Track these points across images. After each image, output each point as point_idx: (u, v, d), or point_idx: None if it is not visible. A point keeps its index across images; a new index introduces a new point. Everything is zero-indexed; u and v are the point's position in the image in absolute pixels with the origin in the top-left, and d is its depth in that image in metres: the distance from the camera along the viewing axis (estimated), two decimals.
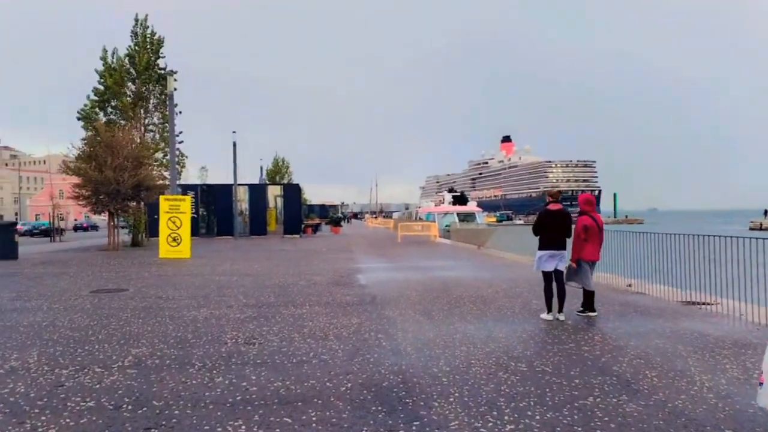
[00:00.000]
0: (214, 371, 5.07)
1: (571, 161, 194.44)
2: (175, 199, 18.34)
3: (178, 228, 18.11)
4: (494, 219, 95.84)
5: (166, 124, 27.56)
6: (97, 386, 4.64)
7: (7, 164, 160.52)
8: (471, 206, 56.80)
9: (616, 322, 7.37)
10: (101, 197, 22.30)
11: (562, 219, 7.78)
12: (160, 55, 27.15)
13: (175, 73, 28.11)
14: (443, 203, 64.55)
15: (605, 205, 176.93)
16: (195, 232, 33.22)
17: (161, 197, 18.45)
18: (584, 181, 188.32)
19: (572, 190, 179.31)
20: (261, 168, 51.15)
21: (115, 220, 23.05)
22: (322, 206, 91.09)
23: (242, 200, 35.44)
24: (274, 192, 37.54)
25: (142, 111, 26.86)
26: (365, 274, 13.16)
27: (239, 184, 34.58)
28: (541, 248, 7.83)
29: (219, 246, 24.66)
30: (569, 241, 7.94)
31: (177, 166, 28.17)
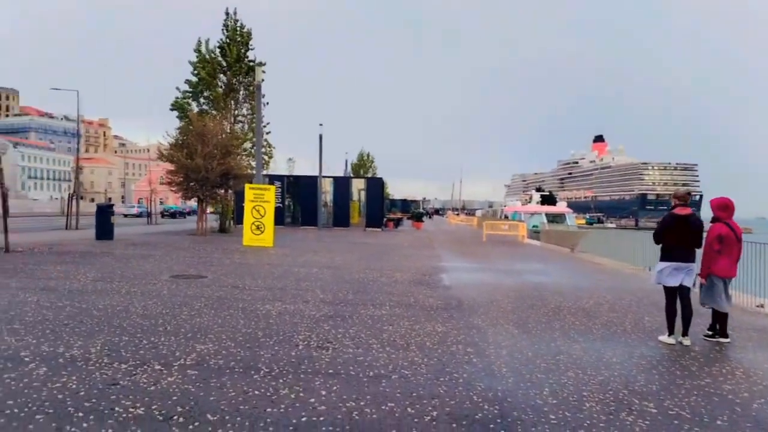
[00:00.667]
0: (281, 380, 4.45)
1: (669, 163, 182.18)
2: (260, 188, 18.34)
3: (262, 216, 18.08)
4: (583, 221, 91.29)
5: (255, 115, 28.08)
6: (152, 388, 4.15)
7: (116, 152, 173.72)
8: (561, 206, 54.18)
9: (757, 353, 6.07)
10: (192, 184, 22.89)
11: (691, 226, 6.55)
12: (250, 47, 27.53)
13: (264, 64, 28.63)
14: (529, 203, 62.21)
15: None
16: (280, 221, 33.86)
17: (246, 185, 18.52)
18: (684, 184, 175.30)
19: (669, 194, 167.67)
20: (346, 161, 51.43)
21: (204, 206, 23.61)
22: (404, 201, 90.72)
23: (327, 192, 35.57)
24: (357, 185, 37.44)
25: (232, 102, 27.38)
26: (449, 274, 12.31)
27: (324, 176, 34.67)
28: (663, 259, 6.64)
29: (302, 236, 24.68)
30: (699, 253, 6.69)
31: (264, 156, 28.71)
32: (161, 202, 68.44)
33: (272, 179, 35.05)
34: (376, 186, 34.95)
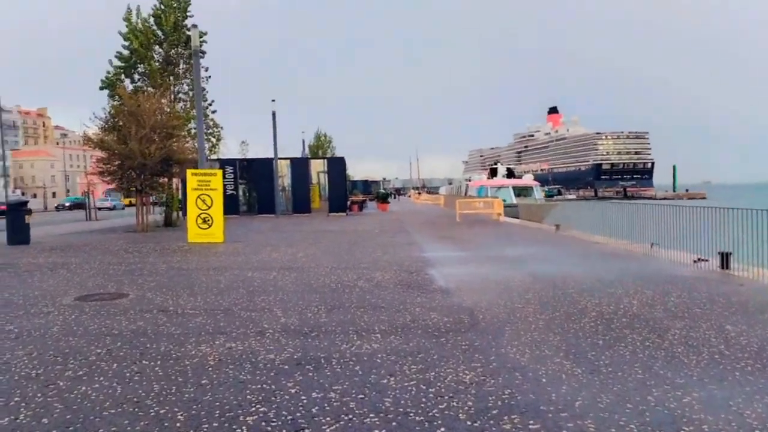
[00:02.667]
0: None
1: (622, 132, 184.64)
2: (204, 174, 15.65)
3: (209, 207, 15.44)
4: (543, 194, 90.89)
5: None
6: None
7: (58, 143, 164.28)
8: (527, 179, 52.85)
9: None
10: (128, 172, 19.94)
11: None
12: (188, 13, 24.35)
13: (197, 28, 25.48)
14: (488, 177, 60.47)
15: (661, 178, 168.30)
16: (235, 210, 31.01)
17: (188, 171, 15.80)
18: (636, 153, 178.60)
19: (624, 163, 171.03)
20: (303, 141, 48.53)
21: (144, 198, 20.67)
22: (365, 182, 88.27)
23: (284, 176, 32.87)
24: (317, 167, 34.78)
25: (170, 77, 24.26)
26: (439, 268, 10.10)
27: (280, 158, 31.93)
28: None
29: (259, 226, 22.06)
30: None
31: (211, 138, 25.87)
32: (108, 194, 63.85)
33: (223, 164, 31.98)
34: (338, 166, 32.42)
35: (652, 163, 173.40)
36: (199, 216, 15.46)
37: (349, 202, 34.12)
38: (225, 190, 31.83)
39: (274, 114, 30.62)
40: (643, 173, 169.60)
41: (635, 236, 14.62)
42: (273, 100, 30.88)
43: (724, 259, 9.81)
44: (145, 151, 19.25)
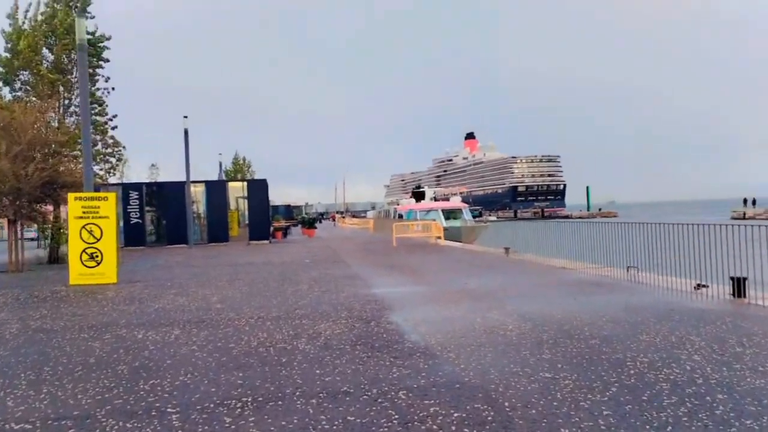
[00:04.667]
0: None
1: (536, 156, 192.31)
2: (91, 198, 12.51)
3: (98, 240, 12.29)
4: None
5: (95, 105, 21.59)
6: None
7: None
8: (455, 201, 52.01)
9: None
10: None
11: None
12: (88, 14, 20.94)
13: (107, 39, 22.17)
14: (416, 201, 59.26)
15: (577, 199, 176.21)
16: (140, 241, 27.26)
17: (69, 195, 12.57)
18: (549, 175, 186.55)
19: (537, 185, 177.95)
20: (220, 164, 44.94)
21: (18, 230, 16.91)
22: (288, 207, 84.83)
23: (198, 201, 29.48)
24: (235, 191, 31.54)
25: (61, 87, 20.65)
26: (401, 312, 7.80)
27: (194, 182, 28.59)
28: None
29: (167, 259, 18.81)
30: None
31: (110, 159, 22.39)
32: None
33: (127, 188, 28.32)
34: (259, 190, 29.45)
35: (564, 185, 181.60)
36: (84, 251, 12.27)
37: (272, 229, 31.20)
38: (129, 218, 28.30)
39: (186, 132, 27.31)
40: (555, 194, 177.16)
41: (594, 257, 13.34)
42: (185, 117, 27.56)
43: (738, 286, 8.20)
44: (21, 172, 15.73)
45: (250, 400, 4.24)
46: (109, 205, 12.56)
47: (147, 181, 36.85)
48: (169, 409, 4.07)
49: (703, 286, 9.24)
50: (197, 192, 29.23)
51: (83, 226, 12.33)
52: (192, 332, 6.80)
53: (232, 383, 4.68)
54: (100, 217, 12.42)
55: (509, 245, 18.77)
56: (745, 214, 71.00)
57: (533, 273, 12.25)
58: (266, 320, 7.42)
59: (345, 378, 4.74)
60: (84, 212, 12.41)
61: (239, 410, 4.03)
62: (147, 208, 28.74)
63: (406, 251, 19.22)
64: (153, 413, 4.01)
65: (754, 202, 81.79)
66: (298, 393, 4.38)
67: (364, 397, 4.24)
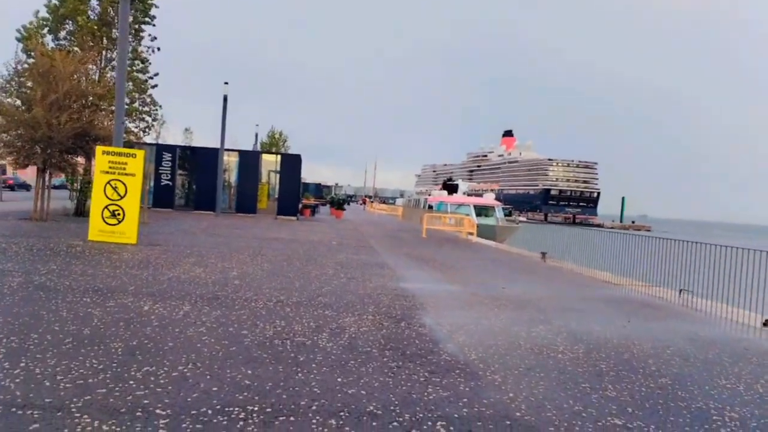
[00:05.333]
0: None
1: (572, 161, 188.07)
2: (119, 153, 11.97)
3: (121, 198, 11.77)
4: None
5: (136, 61, 21.15)
6: None
7: None
8: (488, 198, 50.75)
9: None
10: (29, 145, 15.91)
11: None
12: None
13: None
14: (448, 193, 58.13)
15: (609, 208, 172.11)
16: (169, 203, 27.01)
17: (98, 148, 12.07)
18: (584, 182, 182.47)
19: (571, 190, 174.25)
20: (256, 135, 44.48)
21: (46, 179, 16.60)
22: (318, 185, 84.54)
23: (230, 170, 29.08)
24: (268, 164, 30.98)
25: (105, 39, 20.24)
26: (435, 313, 7.00)
27: (228, 149, 28.16)
28: None
29: (192, 225, 18.34)
30: None
31: (146, 117, 21.95)
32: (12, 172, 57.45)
33: (160, 149, 28.07)
34: (292, 164, 28.89)
35: (598, 193, 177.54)
36: (106, 208, 11.76)
37: (300, 206, 30.67)
38: (160, 179, 28.10)
39: (225, 98, 26.79)
40: (588, 201, 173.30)
41: (636, 273, 12.44)
42: (226, 83, 27.05)
43: None
44: (53, 120, 15.34)
45: (256, 409, 3.50)
46: (136, 163, 12.00)
47: (181, 144, 36.60)
48: (158, 410, 3.36)
49: None
50: (230, 161, 28.83)
51: (108, 182, 11.81)
52: (203, 310, 6.12)
53: (239, 383, 3.95)
54: (126, 174, 11.88)
55: (543, 249, 17.77)
56: None
57: (575, 284, 11.29)
58: (286, 305, 6.70)
59: (371, 393, 3.97)
60: (111, 167, 11.88)
61: (241, 423, 3.29)
62: (179, 171, 28.49)
63: (437, 244, 18.37)
64: (138, 413, 3.30)
65: None
66: (315, 407, 3.62)
67: (394, 424, 3.46)
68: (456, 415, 3.69)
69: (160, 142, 35.08)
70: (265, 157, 31.42)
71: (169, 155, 27.67)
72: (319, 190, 78.79)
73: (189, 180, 28.96)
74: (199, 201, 27.24)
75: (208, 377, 4.03)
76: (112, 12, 20.54)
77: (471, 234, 22.48)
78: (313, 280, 8.70)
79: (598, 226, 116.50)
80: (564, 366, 5.08)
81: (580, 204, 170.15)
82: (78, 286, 6.85)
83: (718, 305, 9.23)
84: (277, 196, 28.80)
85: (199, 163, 27.96)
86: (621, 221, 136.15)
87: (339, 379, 4.20)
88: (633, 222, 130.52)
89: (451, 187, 57.54)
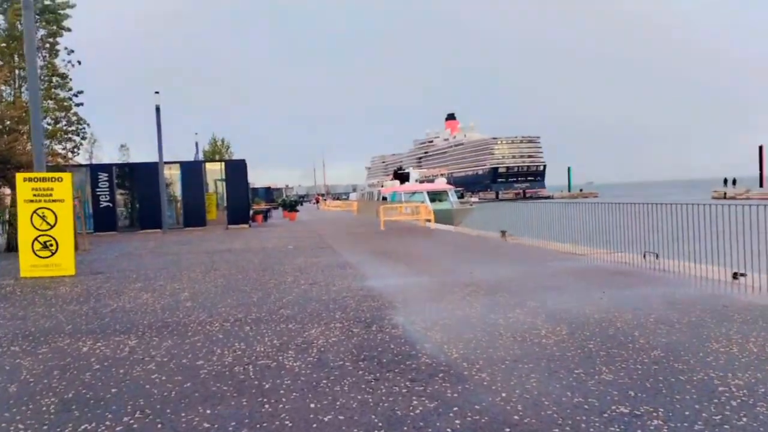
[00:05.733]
0: None
1: (516, 137, 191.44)
2: (43, 179, 10.98)
3: (51, 227, 10.81)
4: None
5: (54, 78, 19.75)
6: None
7: None
8: (440, 183, 50.83)
9: None
10: None
11: None
12: None
13: (72, 7, 20.23)
14: (395, 183, 57.90)
15: (556, 179, 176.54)
16: (111, 226, 25.58)
17: (18, 176, 11.04)
18: (529, 156, 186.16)
19: (518, 166, 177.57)
20: (196, 144, 42.93)
21: None
22: (268, 189, 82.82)
23: (173, 183, 27.87)
24: (213, 173, 29.78)
25: (16, 57, 18.79)
26: (405, 311, 6.57)
27: (167, 162, 26.91)
28: None
29: (138, 246, 17.31)
30: None
31: (73, 137, 20.60)
32: None
33: (95, 170, 26.57)
34: (238, 171, 27.85)
35: (544, 166, 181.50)
36: (36, 240, 10.79)
37: (251, 212, 29.72)
38: (98, 201, 26.60)
39: (158, 108, 25.50)
40: (536, 175, 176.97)
41: (595, 242, 12.48)
42: (157, 92, 25.73)
43: None
44: None
45: None
46: (63, 187, 11.05)
47: (118, 162, 34.86)
48: None
49: (741, 275, 8.24)
50: (172, 174, 27.62)
51: (34, 211, 10.83)
52: (152, 343, 5.48)
53: (196, 429, 3.40)
54: (53, 201, 10.92)
55: (501, 228, 17.72)
56: (725, 194, 71.14)
57: (541, 260, 11.10)
58: (245, 324, 6.13)
59: (351, 417, 3.50)
60: (35, 195, 10.89)
61: None
62: (119, 191, 27.11)
63: (396, 235, 17.99)
64: None
65: (734, 182, 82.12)
66: None
67: None
68: (449, 430, 3.27)
69: (94, 162, 33.39)
70: (208, 166, 30.22)
71: (106, 175, 26.20)
72: (269, 193, 77.19)
73: (131, 199, 27.60)
74: (144, 219, 25.95)
75: (160, 426, 3.46)
76: (20, 26, 19.11)
77: (428, 221, 22.23)
78: (272, 291, 8.12)
79: (548, 197, 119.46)
80: (551, 352, 4.74)
81: (528, 178, 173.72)
82: (5, 334, 6.07)
83: (683, 264, 9.20)
84: (225, 205, 27.80)
85: (140, 180, 26.63)
86: (569, 191, 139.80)
87: (312, 405, 3.71)
88: (581, 190, 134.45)
89: (402, 176, 57.40)
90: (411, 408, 3.61)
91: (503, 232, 16.78)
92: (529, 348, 4.88)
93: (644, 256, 10.63)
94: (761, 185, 73.94)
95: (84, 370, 4.65)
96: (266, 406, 3.73)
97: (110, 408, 3.78)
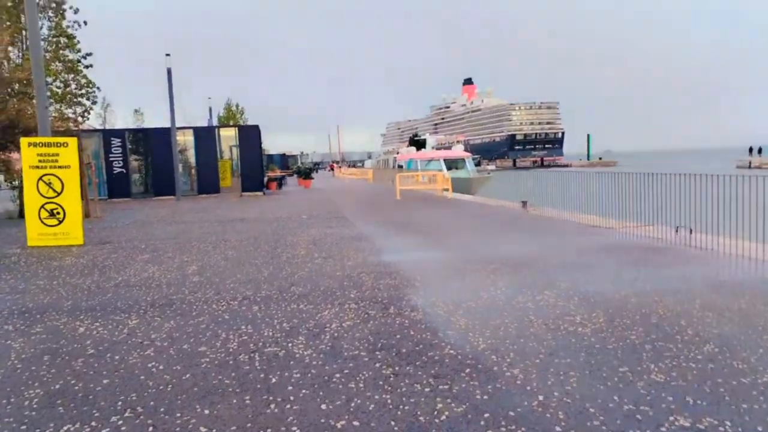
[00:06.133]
0: None
1: (534, 103, 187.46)
2: (48, 144, 10.59)
3: (58, 194, 10.47)
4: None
5: (61, 38, 19.19)
6: None
7: None
8: (458, 150, 49.90)
9: None
10: None
11: None
12: None
13: None
14: (411, 150, 56.99)
15: (573, 147, 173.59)
16: (125, 192, 25.38)
17: (22, 140, 10.65)
18: (548, 123, 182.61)
19: (536, 133, 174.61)
20: (210, 109, 42.38)
21: None
22: (283, 156, 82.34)
23: (187, 149, 27.49)
24: (228, 139, 29.29)
25: (22, 16, 18.24)
26: (425, 291, 6.11)
27: (180, 127, 26.49)
28: None
29: (149, 214, 17.03)
30: None
31: (83, 101, 20.12)
32: None
33: (107, 135, 26.25)
34: (251, 136, 27.38)
35: (563, 133, 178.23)
36: (43, 207, 10.46)
37: (266, 179, 29.33)
38: (111, 168, 26.34)
39: (169, 71, 24.94)
40: (554, 143, 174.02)
41: (620, 213, 11.95)
42: (168, 55, 25.11)
43: None
44: None
45: None
46: (69, 152, 10.65)
47: (129, 127, 34.46)
48: None
49: None
50: (186, 140, 27.22)
51: (40, 178, 10.48)
52: (153, 323, 5.10)
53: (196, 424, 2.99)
54: (59, 167, 10.55)
55: (521, 198, 17.10)
56: (750, 163, 69.12)
57: (565, 233, 10.54)
58: (253, 303, 5.72)
59: (367, 423, 3.06)
60: (41, 161, 10.53)
61: None
62: (133, 157, 26.84)
63: (413, 205, 17.47)
64: None
65: (760, 151, 79.75)
66: None
67: None
68: None
69: (107, 127, 33.10)
70: (223, 131, 29.71)
71: (119, 140, 25.90)
72: (284, 160, 76.67)
73: (145, 165, 27.29)
74: (159, 186, 25.68)
75: (151, 429, 3.06)
76: None
77: (446, 190, 21.62)
78: (284, 266, 7.71)
79: (566, 166, 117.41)
80: (590, 344, 4.25)
81: (546, 146, 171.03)
82: (0, 311, 5.73)
83: (721, 240, 8.60)
84: (239, 171, 27.40)
85: (153, 145, 26.24)
86: (588, 159, 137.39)
87: (323, 407, 3.28)
88: (600, 158, 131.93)
89: (418, 143, 56.48)
90: (436, 413, 3.16)
91: (524, 203, 16.19)
92: (564, 339, 4.39)
93: (677, 231, 10.02)
94: None
95: (76, 356, 4.28)
96: (272, 406, 3.31)
97: (99, 403, 3.39)
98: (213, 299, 5.93)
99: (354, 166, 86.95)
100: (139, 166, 27.29)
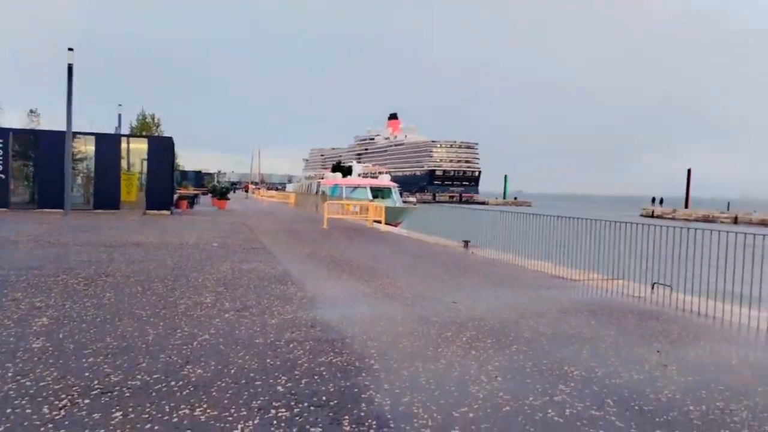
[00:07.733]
0: None
1: (455, 142, 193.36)
2: None
3: None
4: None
5: None
6: None
7: None
8: (384, 179, 48.61)
9: None
10: None
11: None
12: None
13: None
14: (334, 177, 55.23)
15: (488, 186, 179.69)
16: (4, 201, 21.56)
17: None
18: (466, 162, 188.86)
19: (455, 170, 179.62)
20: (119, 116, 38.27)
21: None
22: (198, 173, 77.92)
23: (86, 157, 24.08)
24: (140, 152, 25.85)
25: None
26: (390, 377, 4.13)
27: (79, 133, 23.17)
28: None
29: (21, 231, 13.87)
30: None
31: None
32: None
33: None
34: (162, 149, 24.35)
35: (479, 172, 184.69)
36: None
37: (176, 197, 26.29)
38: None
39: (70, 68, 21.62)
40: (471, 180, 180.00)
41: (562, 258, 11.52)
42: (71, 49, 21.81)
43: None
44: None
45: None
46: None
47: (16, 127, 30.16)
48: None
49: None
50: (86, 147, 23.86)
51: None
52: None
53: None
54: None
55: (449, 233, 15.94)
56: (653, 212, 73.38)
57: (532, 286, 8.96)
58: (119, 398, 3.49)
59: None
60: None
61: None
62: (16, 161, 23.05)
63: (344, 237, 15.51)
64: None
65: (661, 201, 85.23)
66: None
67: None
68: None
69: None
70: (133, 142, 26.39)
71: (0, 141, 22.12)
72: (199, 178, 72.34)
73: (31, 171, 23.52)
74: (45, 197, 22.04)
75: None
76: None
77: (378, 222, 19.83)
78: (181, 322, 5.46)
79: (483, 203, 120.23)
80: None
81: (463, 183, 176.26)
82: None
83: (712, 304, 7.39)
84: (147, 185, 24.21)
85: (45, 150, 22.58)
86: (504, 198, 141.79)
87: None
88: (515, 198, 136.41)
89: (345, 170, 54.92)
90: None
91: (466, 243, 14.71)
92: None
93: (653, 288, 8.78)
94: (686, 206, 76.73)
95: None
96: None
97: None
98: (49, 392, 3.63)
99: (276, 189, 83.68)
100: (23, 172, 23.54)
